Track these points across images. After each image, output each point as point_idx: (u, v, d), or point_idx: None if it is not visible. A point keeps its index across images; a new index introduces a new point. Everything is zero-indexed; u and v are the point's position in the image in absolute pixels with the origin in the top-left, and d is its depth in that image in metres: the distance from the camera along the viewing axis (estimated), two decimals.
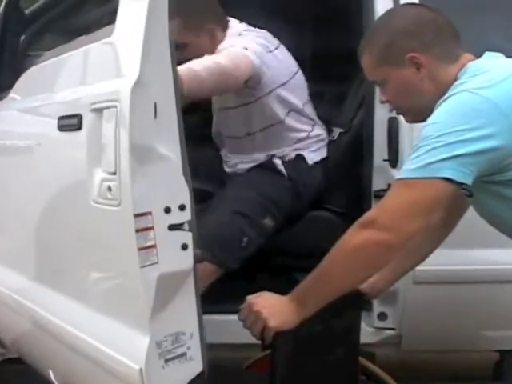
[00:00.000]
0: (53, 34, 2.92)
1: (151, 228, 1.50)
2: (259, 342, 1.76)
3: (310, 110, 2.67)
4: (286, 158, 2.57)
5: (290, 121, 2.58)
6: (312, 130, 2.65)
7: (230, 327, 1.78)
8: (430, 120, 1.67)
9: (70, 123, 1.75)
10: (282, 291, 1.74)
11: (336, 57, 2.95)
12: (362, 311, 2.19)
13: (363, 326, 2.17)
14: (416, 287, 2.41)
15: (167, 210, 1.52)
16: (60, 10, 2.77)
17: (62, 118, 1.82)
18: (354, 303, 1.93)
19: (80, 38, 1.91)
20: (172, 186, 1.54)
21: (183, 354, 1.57)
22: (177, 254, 1.54)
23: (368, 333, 2.46)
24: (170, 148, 1.53)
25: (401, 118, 2.15)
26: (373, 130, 2.46)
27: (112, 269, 1.65)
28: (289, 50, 2.60)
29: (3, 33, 2.58)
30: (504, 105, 1.61)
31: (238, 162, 2.66)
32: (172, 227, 1.52)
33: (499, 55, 1.79)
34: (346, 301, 1.71)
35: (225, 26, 2.55)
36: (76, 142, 1.72)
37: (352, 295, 1.77)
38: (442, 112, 1.66)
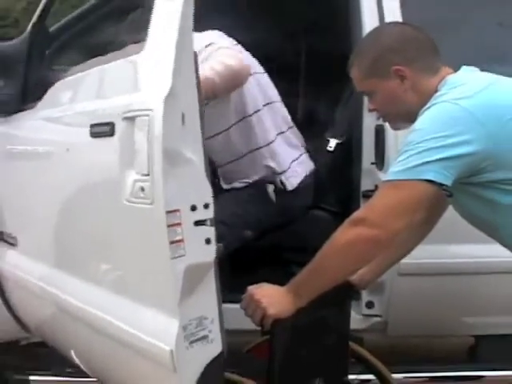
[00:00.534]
0: (75, 50, 2.91)
1: (179, 224, 1.53)
2: (259, 328, 1.76)
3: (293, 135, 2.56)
4: (277, 185, 2.45)
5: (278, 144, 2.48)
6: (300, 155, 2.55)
7: (232, 315, 1.77)
8: (413, 127, 1.68)
9: (103, 130, 1.76)
10: (280, 283, 1.74)
11: (331, 62, 2.91)
12: (352, 300, 2.19)
13: (352, 313, 2.16)
14: (401, 278, 2.41)
15: (193, 208, 1.55)
16: (81, 28, 2.77)
17: (93, 125, 1.83)
18: (345, 293, 1.93)
19: (110, 53, 1.91)
20: (197, 187, 1.57)
21: (205, 337, 1.59)
22: (201, 248, 1.57)
23: (357, 320, 2.46)
24: (194, 152, 1.56)
25: (387, 125, 2.15)
26: (361, 135, 2.46)
27: (145, 261, 1.66)
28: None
29: (30, 49, 2.58)
30: (480, 114, 1.61)
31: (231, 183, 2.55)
32: (197, 223, 1.55)
33: (475, 69, 1.79)
34: (337, 291, 1.71)
35: None
36: (108, 147, 1.75)
37: (343, 286, 1.77)
38: (425, 120, 1.67)
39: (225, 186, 2.53)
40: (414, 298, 2.45)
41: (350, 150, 2.56)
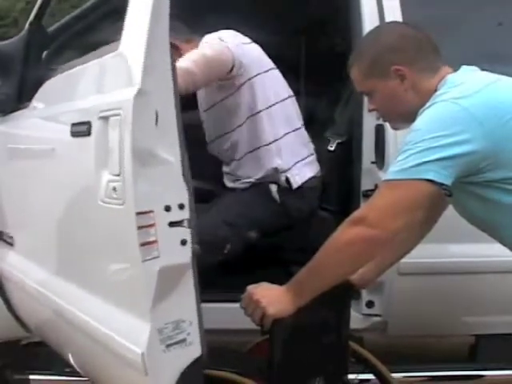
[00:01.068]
0: (73, 50, 2.92)
1: (153, 225, 1.51)
2: (259, 327, 1.76)
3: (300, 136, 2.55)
4: (280, 183, 2.44)
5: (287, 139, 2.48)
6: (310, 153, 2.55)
7: (233, 314, 1.77)
8: (413, 127, 1.68)
9: (81, 129, 1.75)
10: (280, 282, 1.74)
11: (331, 61, 2.89)
12: (352, 300, 2.19)
13: (352, 313, 2.16)
14: (400, 278, 2.41)
15: (167, 209, 1.52)
16: (81, 28, 2.77)
17: (74, 124, 1.82)
18: (345, 293, 1.93)
19: (92, 52, 1.91)
20: (172, 187, 1.54)
21: (183, 340, 1.57)
22: (176, 249, 1.54)
23: (357, 319, 2.46)
24: (170, 152, 1.53)
25: (387, 124, 2.15)
26: (362, 135, 2.46)
27: (117, 262, 1.65)
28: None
29: (27, 48, 2.58)
30: (479, 113, 1.61)
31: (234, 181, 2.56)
32: (172, 224, 1.52)
33: (475, 68, 1.79)
34: (337, 290, 1.71)
35: (189, 38, 2.46)
36: (86, 147, 1.73)
37: (343, 285, 1.77)
38: (424, 120, 1.67)
39: (229, 185, 2.54)
40: (414, 297, 2.45)
41: (350, 149, 2.56)
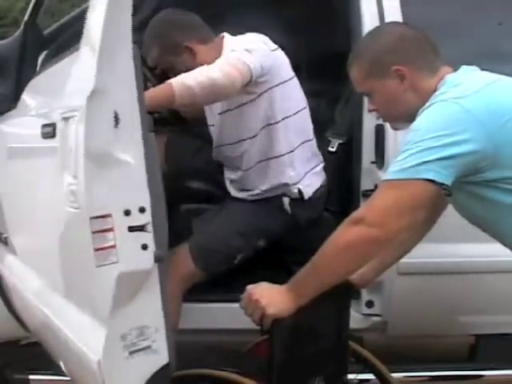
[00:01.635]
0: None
1: (111, 229, 1.47)
2: (259, 327, 1.76)
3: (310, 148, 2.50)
4: (293, 195, 2.40)
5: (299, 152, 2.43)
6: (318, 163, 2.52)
7: (233, 314, 1.77)
8: (412, 127, 1.68)
9: (48, 131, 1.73)
10: (280, 282, 1.74)
11: (332, 59, 2.88)
12: (352, 300, 2.19)
13: (352, 312, 2.16)
14: (400, 278, 2.42)
15: (127, 213, 1.47)
16: (79, 28, 2.76)
17: (43, 126, 1.81)
18: (345, 293, 1.93)
19: (66, 51, 1.89)
20: (132, 190, 1.49)
21: (148, 347, 1.53)
22: (137, 254, 1.49)
23: (357, 319, 2.47)
24: (131, 154, 1.49)
25: (387, 124, 2.16)
26: (361, 135, 2.47)
27: (79, 267, 1.61)
28: (286, 52, 2.48)
29: (22, 48, 2.57)
30: (479, 113, 1.61)
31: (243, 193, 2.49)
32: (132, 229, 1.48)
33: (475, 68, 1.80)
34: (337, 290, 1.71)
35: (204, 38, 2.39)
36: (52, 149, 1.70)
37: (342, 285, 1.77)
38: (424, 119, 1.67)
39: (236, 194, 2.49)
40: (413, 297, 2.45)
41: (351, 150, 2.56)
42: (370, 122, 2.41)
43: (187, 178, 2.64)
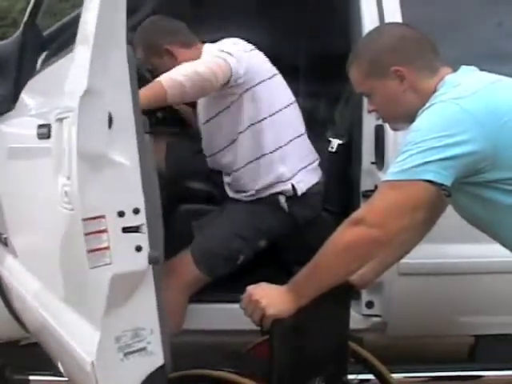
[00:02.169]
0: None
1: (105, 231, 1.46)
2: (259, 328, 1.76)
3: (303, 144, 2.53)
4: (287, 193, 2.43)
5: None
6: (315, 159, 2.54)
7: (233, 315, 1.77)
8: (412, 127, 1.68)
9: (43, 132, 1.73)
10: (280, 283, 1.74)
11: (332, 59, 2.90)
12: (352, 300, 2.19)
13: (352, 313, 2.16)
14: (400, 278, 2.42)
15: (121, 214, 1.47)
16: (75, 31, 2.76)
17: (39, 126, 1.81)
18: (344, 293, 1.93)
19: (61, 53, 1.89)
20: (126, 191, 1.49)
21: (143, 349, 1.53)
22: (131, 256, 1.49)
23: (357, 319, 2.47)
24: (125, 155, 1.48)
25: (387, 125, 2.16)
26: (361, 136, 2.47)
27: (73, 269, 1.61)
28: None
29: (22, 49, 2.57)
30: (479, 114, 1.61)
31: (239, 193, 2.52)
32: (126, 230, 1.48)
33: (474, 69, 1.80)
34: (337, 291, 1.71)
35: (185, 42, 2.48)
36: (47, 149, 1.70)
37: (342, 286, 1.77)
38: (423, 120, 1.67)
39: (231, 195, 2.51)
40: (413, 297, 2.45)
41: (351, 150, 2.56)
42: (369, 122, 2.41)
43: (187, 178, 2.65)
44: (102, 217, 1.46)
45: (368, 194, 2.37)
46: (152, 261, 1.52)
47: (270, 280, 1.77)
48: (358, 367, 2.14)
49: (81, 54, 1.55)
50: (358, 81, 1.84)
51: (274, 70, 2.47)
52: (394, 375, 2.21)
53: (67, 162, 1.50)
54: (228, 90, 2.30)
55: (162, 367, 1.56)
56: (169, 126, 2.71)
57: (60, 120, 1.58)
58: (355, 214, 1.68)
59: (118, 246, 1.48)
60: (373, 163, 2.45)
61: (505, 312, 2.45)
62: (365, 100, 2.16)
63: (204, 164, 2.57)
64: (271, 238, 2.47)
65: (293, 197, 2.43)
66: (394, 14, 2.44)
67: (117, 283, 1.48)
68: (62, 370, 2.02)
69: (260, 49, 2.48)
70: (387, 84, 1.78)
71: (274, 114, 2.41)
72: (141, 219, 1.49)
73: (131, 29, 1.54)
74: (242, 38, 2.43)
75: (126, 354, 1.51)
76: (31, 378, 2.54)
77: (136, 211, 1.48)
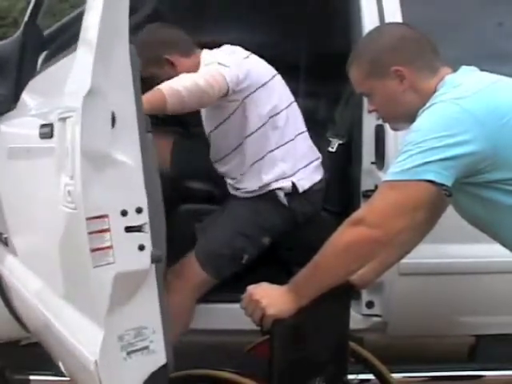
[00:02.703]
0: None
1: (107, 230, 1.47)
2: (259, 328, 1.76)
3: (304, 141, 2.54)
4: (286, 189, 2.44)
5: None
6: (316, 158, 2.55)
7: (232, 314, 1.77)
8: (412, 127, 1.68)
9: (46, 131, 1.73)
10: (280, 283, 1.74)
11: (332, 59, 2.89)
12: (352, 300, 2.19)
13: (352, 313, 2.16)
14: (400, 278, 2.42)
15: (124, 213, 1.47)
16: (79, 28, 2.76)
17: (41, 126, 1.81)
18: (345, 293, 1.93)
19: (63, 53, 1.90)
20: (129, 191, 1.49)
21: (146, 348, 1.54)
22: (133, 255, 1.50)
23: (357, 319, 2.47)
24: (127, 154, 1.49)
25: (387, 125, 2.16)
26: (361, 135, 2.47)
27: (76, 268, 1.61)
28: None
29: (22, 49, 2.57)
30: (479, 114, 1.61)
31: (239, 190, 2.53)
32: (128, 229, 1.48)
33: (474, 69, 1.80)
34: (337, 291, 1.71)
35: (184, 52, 2.48)
36: (49, 149, 1.70)
37: (343, 286, 1.77)
38: (424, 120, 1.67)
39: (232, 192, 2.52)
40: (414, 297, 2.45)
41: (351, 150, 2.56)
42: (369, 122, 2.41)
43: (189, 178, 2.66)
44: (105, 216, 1.47)
45: (368, 194, 2.37)
46: (155, 260, 1.52)
47: (270, 280, 1.77)
48: (358, 367, 2.14)
49: (84, 54, 1.55)
50: (358, 81, 1.84)
51: (273, 71, 2.48)
52: (394, 375, 2.21)
53: (70, 161, 1.50)
54: (229, 97, 2.32)
55: (164, 366, 1.56)
56: (173, 125, 2.71)
57: (63, 119, 1.58)
58: (355, 214, 1.68)
59: (121, 245, 1.48)
60: (373, 163, 2.45)
61: (505, 312, 2.45)
62: (365, 100, 2.17)
63: (206, 163, 2.57)
64: (274, 236, 2.47)
65: (292, 193, 2.44)
66: (394, 14, 2.44)
67: (120, 282, 1.48)
68: (63, 369, 2.02)
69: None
70: (387, 84, 1.78)
71: (276, 114, 2.43)
72: (143, 218, 1.49)
73: (131, 29, 1.54)
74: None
75: (128, 353, 1.52)
76: (32, 378, 2.54)
77: (139, 210, 1.49)
